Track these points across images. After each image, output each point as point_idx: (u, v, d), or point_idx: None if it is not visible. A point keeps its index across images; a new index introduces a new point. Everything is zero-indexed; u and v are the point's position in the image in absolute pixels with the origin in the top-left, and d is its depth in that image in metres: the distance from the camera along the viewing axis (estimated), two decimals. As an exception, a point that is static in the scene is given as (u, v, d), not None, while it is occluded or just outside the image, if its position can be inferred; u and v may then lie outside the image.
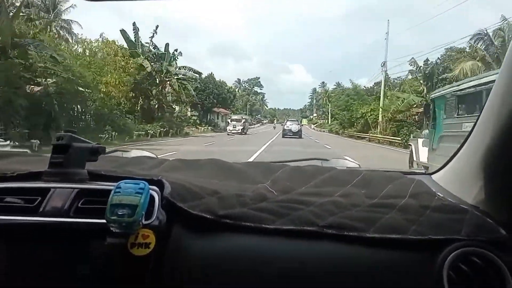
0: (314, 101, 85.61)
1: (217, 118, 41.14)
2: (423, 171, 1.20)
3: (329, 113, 51.24)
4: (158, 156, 1.19)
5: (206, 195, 0.67)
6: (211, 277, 0.59)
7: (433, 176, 1.02)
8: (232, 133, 27.86)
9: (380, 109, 24.14)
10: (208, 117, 38.53)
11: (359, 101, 30.31)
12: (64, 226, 0.61)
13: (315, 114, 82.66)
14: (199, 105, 34.78)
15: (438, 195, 0.75)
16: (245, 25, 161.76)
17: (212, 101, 36.01)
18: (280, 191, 0.75)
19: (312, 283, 0.57)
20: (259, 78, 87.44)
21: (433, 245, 0.57)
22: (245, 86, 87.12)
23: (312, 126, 69.77)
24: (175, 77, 24.41)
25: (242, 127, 29.18)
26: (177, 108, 27.21)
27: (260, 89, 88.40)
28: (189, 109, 34.22)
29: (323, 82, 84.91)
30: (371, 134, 24.67)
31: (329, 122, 49.41)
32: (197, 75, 28.21)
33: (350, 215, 0.63)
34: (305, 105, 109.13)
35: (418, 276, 0.57)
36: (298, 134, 24.89)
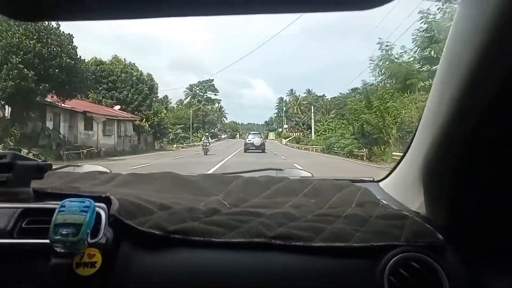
0: (284, 109, 74.25)
1: (77, 126, 15.85)
2: (371, 179, 1.23)
3: (312, 124, 41.08)
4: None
5: (156, 210, 0.70)
6: None
7: (380, 183, 1.11)
8: None
9: None
10: (35, 122, 13.34)
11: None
12: (8, 247, 0.61)
13: (286, 126, 71.26)
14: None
15: (383, 203, 0.82)
16: (205, 40, 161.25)
17: (31, 80, 10.88)
18: (233, 204, 0.80)
19: None
20: (212, 80, 66.43)
21: (375, 251, 0.62)
22: (195, 91, 63.50)
23: (284, 141, 57.59)
24: None
25: None
26: None
27: (215, 94, 65.92)
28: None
29: (292, 90, 74.62)
30: None
31: (312, 135, 38.71)
32: None
33: (297, 225, 0.67)
34: (271, 117, 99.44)
35: (362, 282, 0.60)
36: (260, 148, 23.47)
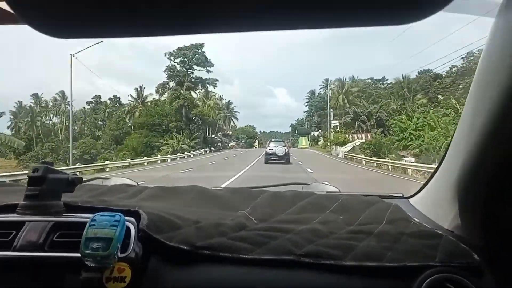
0: (329, 93, 51.61)
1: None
2: (401, 195, 1.34)
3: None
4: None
5: (184, 225, 0.78)
6: None
7: (410, 199, 1.20)
8: None
9: None
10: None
11: None
12: (39, 260, 0.68)
13: (335, 123, 45.39)
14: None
15: (414, 220, 0.90)
16: (224, 50, 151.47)
17: None
18: (260, 219, 0.90)
19: None
20: (202, 46, 32.37)
21: (409, 271, 0.66)
22: (172, 65, 29.70)
23: (341, 150, 32.77)
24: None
25: None
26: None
27: (208, 71, 33.10)
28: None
29: (327, 79, 57.44)
30: None
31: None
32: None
33: (327, 242, 0.75)
34: (299, 118, 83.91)
35: None
36: (284, 159, 22.19)
